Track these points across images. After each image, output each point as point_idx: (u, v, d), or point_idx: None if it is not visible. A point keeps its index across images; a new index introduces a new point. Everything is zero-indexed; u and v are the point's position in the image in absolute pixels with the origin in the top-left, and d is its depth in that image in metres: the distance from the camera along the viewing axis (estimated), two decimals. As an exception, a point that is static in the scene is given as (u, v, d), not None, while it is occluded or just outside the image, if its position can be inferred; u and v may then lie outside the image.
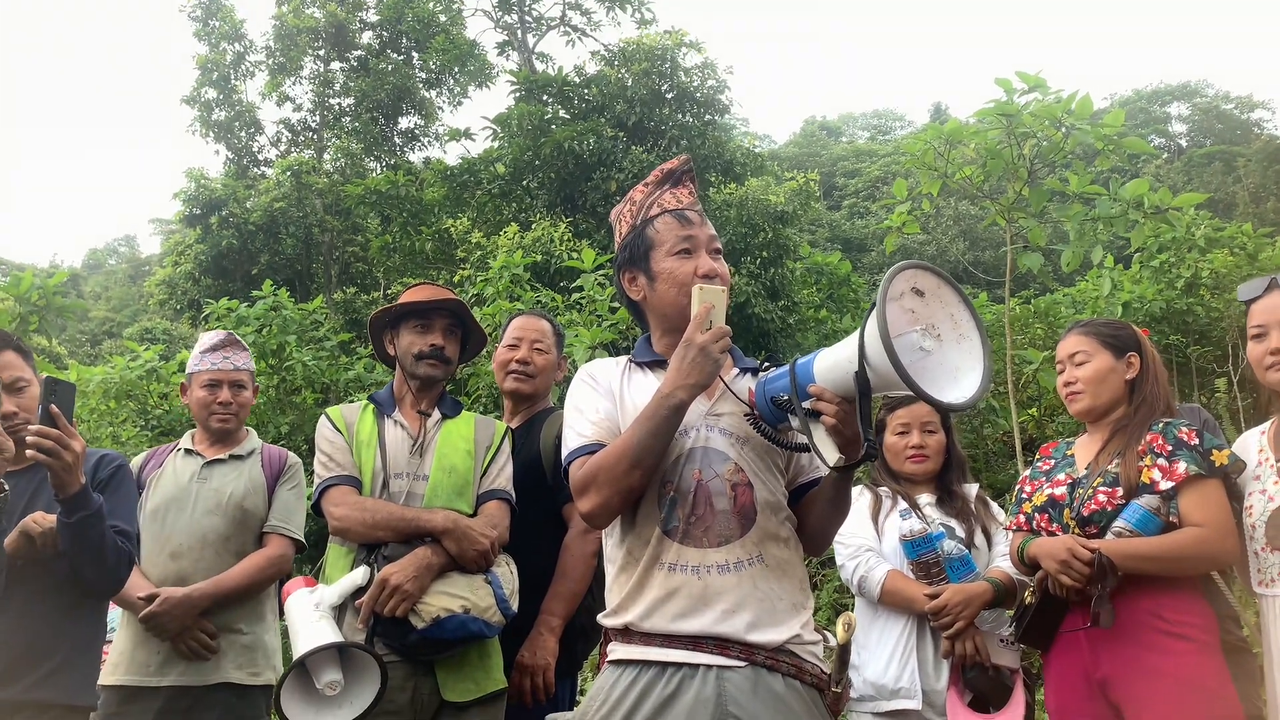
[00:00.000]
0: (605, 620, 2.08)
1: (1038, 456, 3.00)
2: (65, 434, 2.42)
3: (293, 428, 8.91)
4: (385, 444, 2.90)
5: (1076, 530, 2.64)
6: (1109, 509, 2.60)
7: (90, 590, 2.71)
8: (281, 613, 2.91)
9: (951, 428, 3.29)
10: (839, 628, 2.72)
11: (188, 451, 3.41)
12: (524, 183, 15.13)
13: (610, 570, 2.11)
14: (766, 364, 2.13)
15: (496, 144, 16.28)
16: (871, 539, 3.14)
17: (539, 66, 20.72)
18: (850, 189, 34.75)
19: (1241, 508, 2.61)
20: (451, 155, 20.54)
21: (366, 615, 2.64)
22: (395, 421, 2.97)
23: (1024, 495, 2.87)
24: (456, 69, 20.02)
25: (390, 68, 19.48)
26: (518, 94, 16.21)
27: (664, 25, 20.71)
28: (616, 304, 7.61)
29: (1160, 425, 2.66)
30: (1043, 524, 2.74)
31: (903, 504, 3.16)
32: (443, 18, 20.05)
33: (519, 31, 21.74)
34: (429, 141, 20.92)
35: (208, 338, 3.52)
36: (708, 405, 2.08)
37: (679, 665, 1.93)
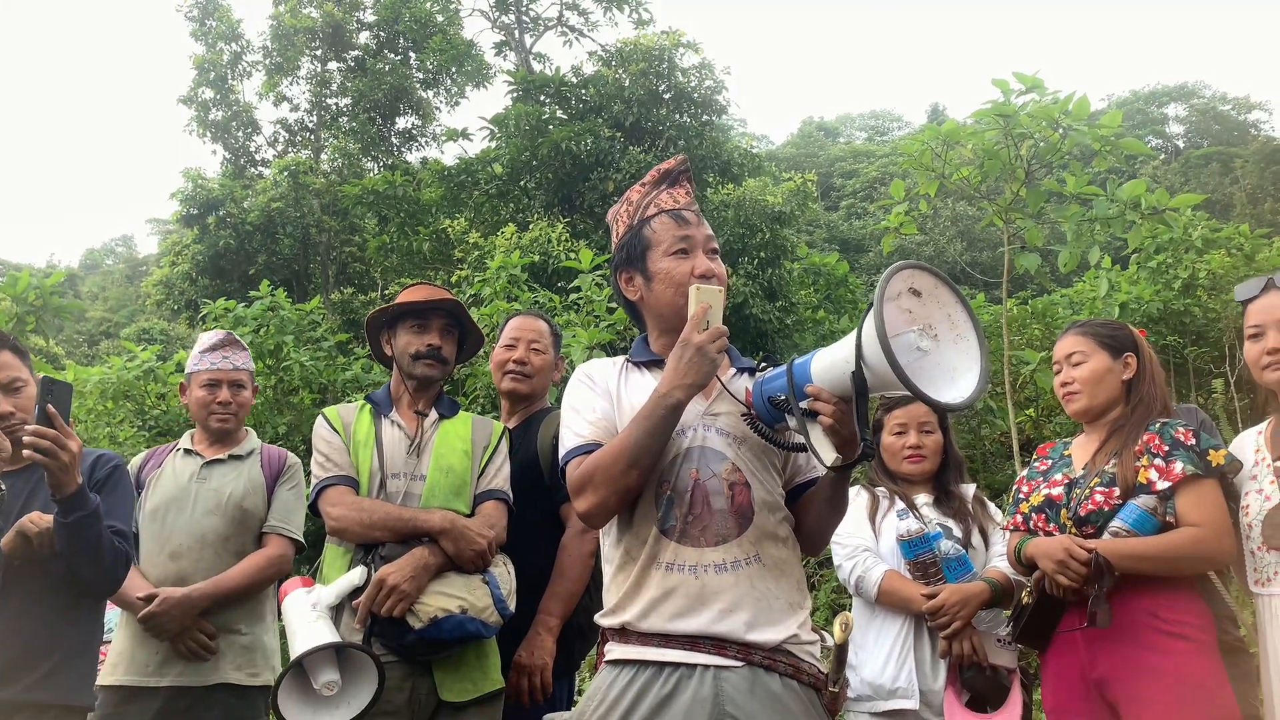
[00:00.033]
0: (602, 620, 2.08)
1: (1035, 457, 3.01)
2: (62, 434, 2.41)
3: (290, 428, 8.90)
4: (382, 444, 2.90)
5: (1073, 530, 2.64)
6: (1106, 509, 2.60)
7: (87, 590, 2.71)
8: (280, 613, 2.91)
9: (949, 428, 3.30)
10: (836, 628, 2.72)
11: (187, 451, 3.41)
12: (521, 183, 15.13)
13: (608, 570, 2.11)
14: (764, 364, 2.13)
15: (494, 144, 16.28)
16: (869, 539, 3.14)
17: (536, 67, 20.73)
18: (848, 190, 34.76)
19: (1238, 507, 2.61)
20: (449, 155, 20.54)
21: (364, 615, 2.64)
22: (392, 422, 2.96)
23: (1021, 495, 2.87)
24: (454, 69, 20.03)
25: (387, 68, 19.49)
26: (515, 94, 16.21)
27: (661, 25, 20.73)
28: (614, 304, 7.62)
29: (1157, 425, 2.66)
30: (1040, 524, 2.74)
31: (900, 504, 3.16)
32: (440, 18, 20.06)
33: (516, 32, 21.73)
34: (426, 142, 20.96)
35: (207, 337, 3.51)
36: (705, 405, 2.08)
37: (676, 665, 1.93)
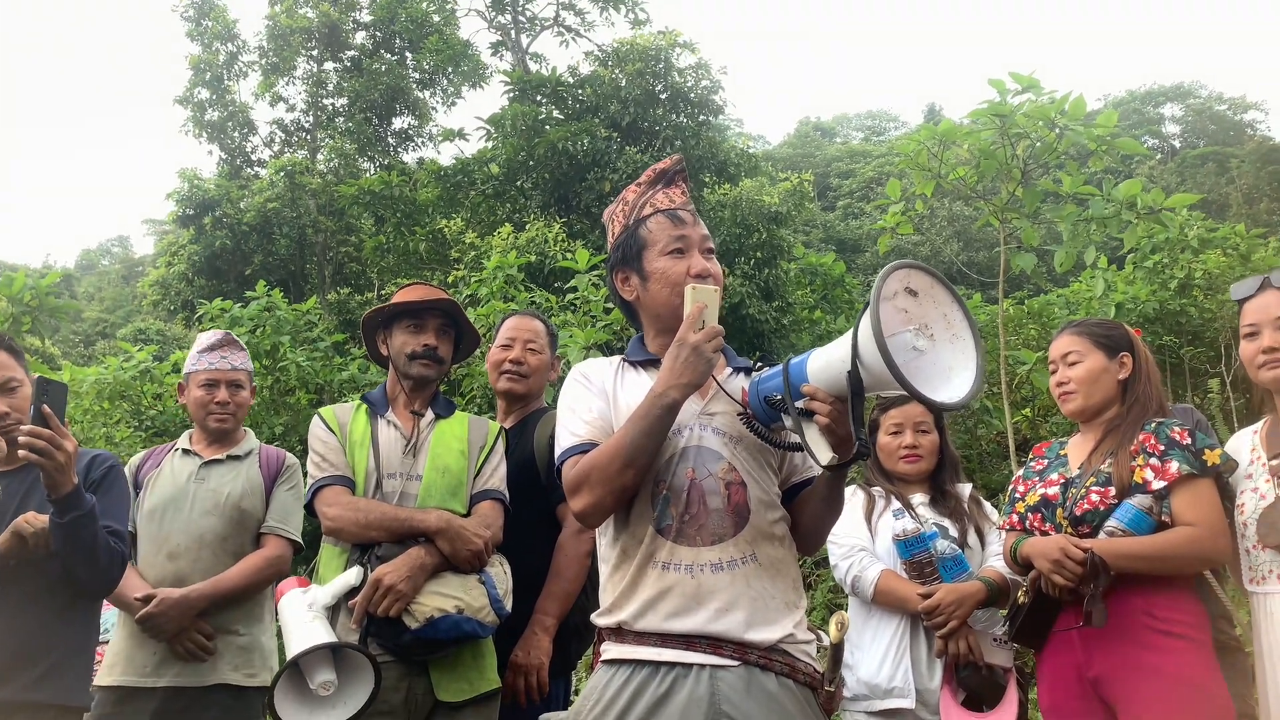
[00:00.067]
0: (598, 619, 2.08)
1: (1031, 456, 3.01)
2: (57, 434, 2.41)
3: (287, 428, 8.90)
4: (378, 444, 2.90)
5: (1069, 530, 2.65)
6: (1101, 508, 2.60)
7: (83, 591, 2.70)
8: (277, 613, 2.90)
9: (945, 428, 3.30)
10: (832, 627, 2.73)
11: (185, 451, 3.40)
12: (518, 183, 15.13)
13: (604, 569, 2.11)
14: (760, 364, 2.13)
15: (490, 144, 16.29)
16: (865, 539, 3.14)
17: (533, 67, 20.75)
18: (844, 190, 34.79)
19: (1234, 506, 2.62)
20: (445, 156, 20.56)
21: (360, 615, 2.64)
22: (388, 422, 2.96)
23: (1017, 495, 2.87)
24: (450, 69, 20.04)
25: (384, 68, 19.50)
26: (511, 94, 16.21)
27: (658, 25, 20.74)
28: (611, 305, 7.61)
29: (1153, 425, 2.66)
30: (1036, 523, 2.75)
31: (896, 504, 3.16)
32: (436, 18, 20.07)
33: (512, 32, 21.75)
34: (423, 142, 20.97)
35: (205, 337, 3.50)
36: (701, 404, 2.08)
37: (672, 665, 1.93)
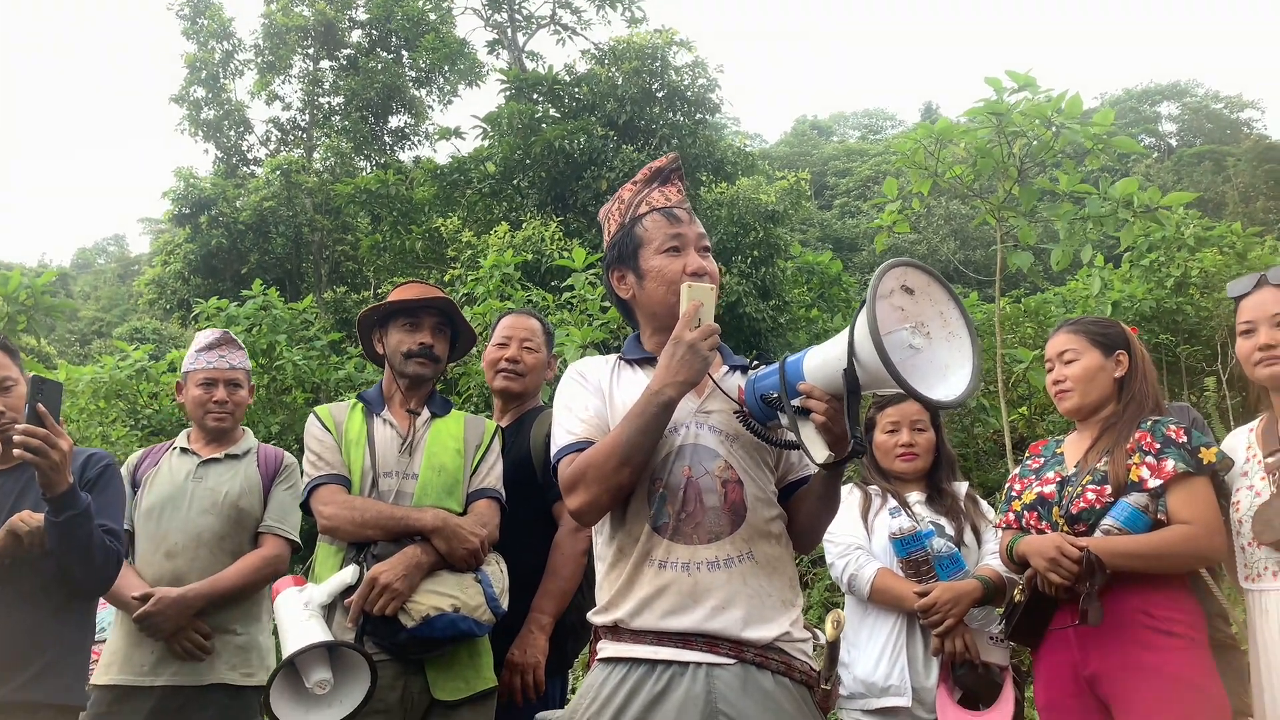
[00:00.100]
0: (595, 618, 2.08)
1: (1027, 455, 3.01)
2: (52, 433, 2.41)
3: (283, 427, 8.88)
4: (374, 443, 2.89)
5: (1065, 528, 2.65)
6: (1098, 507, 2.61)
7: (79, 589, 2.70)
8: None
9: (941, 426, 3.30)
10: (828, 625, 2.72)
11: (183, 450, 3.40)
12: (514, 182, 15.12)
13: (600, 568, 2.11)
14: (756, 362, 2.13)
15: (487, 143, 16.27)
16: (861, 537, 3.14)
17: (529, 65, 20.74)
18: (841, 188, 34.80)
19: (1229, 504, 2.62)
20: (442, 154, 20.52)
21: (356, 614, 2.64)
22: (384, 420, 2.96)
23: (1013, 493, 2.88)
24: (446, 68, 20.02)
25: (380, 66, 19.47)
26: (508, 93, 16.19)
27: (654, 24, 20.81)
28: (607, 303, 7.60)
29: (1149, 423, 2.66)
30: (1032, 522, 2.75)
31: (892, 502, 3.17)
32: (432, 16, 20.05)
33: (509, 30, 21.74)
34: (419, 140, 20.94)
35: (203, 336, 3.50)
36: (697, 403, 2.08)
37: (668, 663, 1.93)
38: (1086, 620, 2.47)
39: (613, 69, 15.91)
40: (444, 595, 2.65)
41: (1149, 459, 2.59)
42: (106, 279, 41.31)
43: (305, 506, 2.89)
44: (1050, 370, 2.90)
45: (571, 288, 8.14)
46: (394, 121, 20.48)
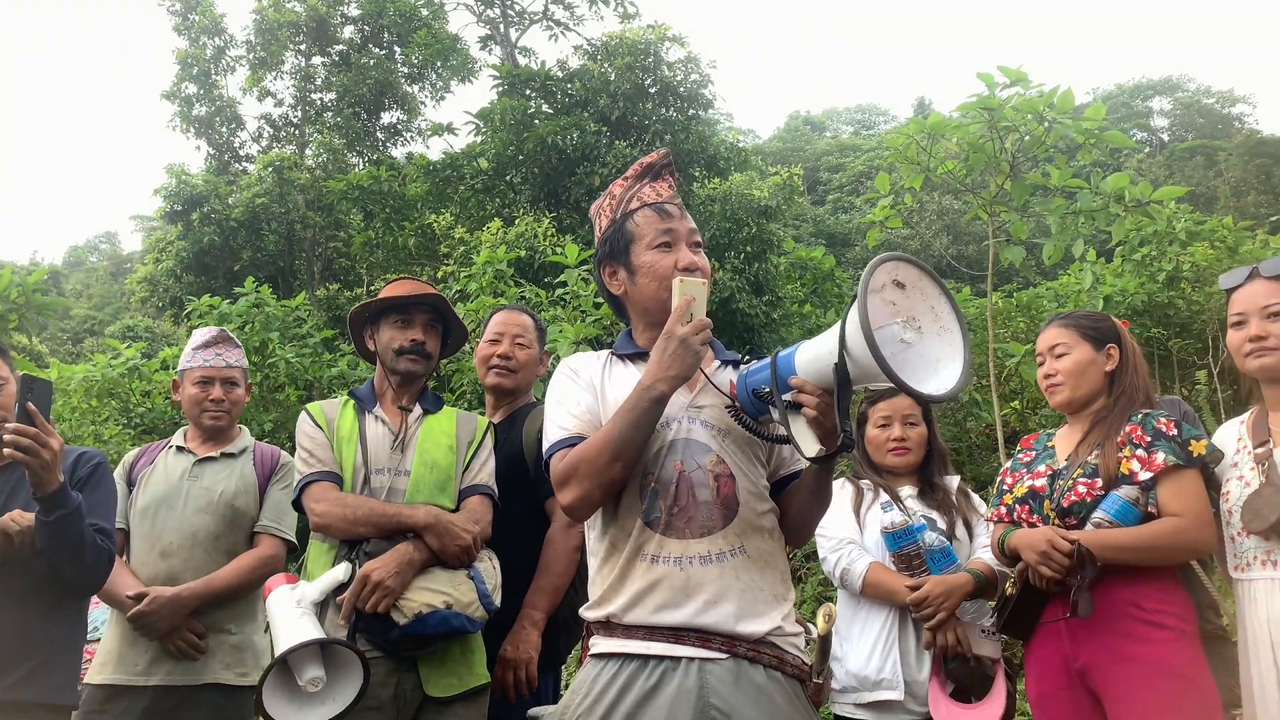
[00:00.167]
0: (587, 613, 2.08)
1: (1019, 448, 3.02)
2: (43, 432, 2.40)
3: (276, 425, 8.86)
4: (366, 440, 2.89)
5: (1056, 521, 2.66)
6: (1088, 500, 2.61)
7: (70, 589, 2.70)
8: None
9: (933, 420, 3.30)
10: (820, 619, 2.73)
11: (179, 449, 3.39)
12: (507, 178, 15.10)
13: (593, 563, 2.11)
14: (748, 357, 2.13)
15: (479, 139, 16.27)
16: (853, 531, 3.15)
17: (522, 61, 20.69)
18: (834, 184, 34.80)
19: (1219, 496, 2.63)
20: (434, 150, 20.56)
21: (348, 611, 2.63)
22: (376, 417, 2.95)
23: (1005, 487, 2.89)
24: (439, 63, 19.98)
25: (372, 62, 19.43)
26: (500, 89, 16.18)
27: (647, 19, 20.76)
28: (600, 299, 7.60)
29: (1139, 416, 2.67)
30: (1023, 515, 2.75)
31: (884, 496, 3.17)
32: (424, 12, 20.01)
33: (501, 26, 21.69)
34: (411, 136, 20.91)
35: (200, 334, 3.48)
36: (689, 397, 2.08)
37: (661, 658, 1.93)
38: (1077, 613, 2.48)
39: (605, 65, 15.90)
40: (436, 592, 2.64)
41: (1139, 452, 2.60)
42: (98, 277, 41.19)
43: (297, 504, 2.89)
44: (1042, 364, 2.91)
45: (564, 284, 8.14)
46: (386, 118, 20.45)
